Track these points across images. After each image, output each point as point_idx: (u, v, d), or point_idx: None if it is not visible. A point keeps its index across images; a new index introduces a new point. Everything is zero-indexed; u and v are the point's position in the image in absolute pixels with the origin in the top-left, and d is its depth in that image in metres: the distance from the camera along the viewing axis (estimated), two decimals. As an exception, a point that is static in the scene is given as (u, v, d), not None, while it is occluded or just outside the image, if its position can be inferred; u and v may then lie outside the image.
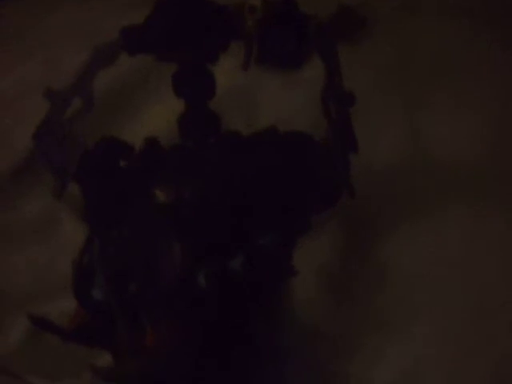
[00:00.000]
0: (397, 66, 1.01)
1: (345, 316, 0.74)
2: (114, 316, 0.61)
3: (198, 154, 0.69)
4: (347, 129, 0.70)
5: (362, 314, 0.74)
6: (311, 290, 0.75)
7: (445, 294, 0.74)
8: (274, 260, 0.65)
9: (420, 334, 0.72)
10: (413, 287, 0.75)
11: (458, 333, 0.72)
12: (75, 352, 0.67)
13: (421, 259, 0.78)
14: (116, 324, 0.61)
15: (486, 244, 0.79)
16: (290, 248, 0.66)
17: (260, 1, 0.65)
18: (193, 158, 0.68)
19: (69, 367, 0.70)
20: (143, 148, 0.68)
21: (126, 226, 0.64)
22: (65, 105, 0.68)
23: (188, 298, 0.61)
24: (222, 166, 0.66)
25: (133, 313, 0.61)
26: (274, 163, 0.67)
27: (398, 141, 0.91)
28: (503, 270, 0.77)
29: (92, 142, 0.67)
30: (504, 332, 0.72)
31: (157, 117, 0.91)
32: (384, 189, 0.84)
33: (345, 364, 0.71)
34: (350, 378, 0.70)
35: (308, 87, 0.90)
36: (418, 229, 0.81)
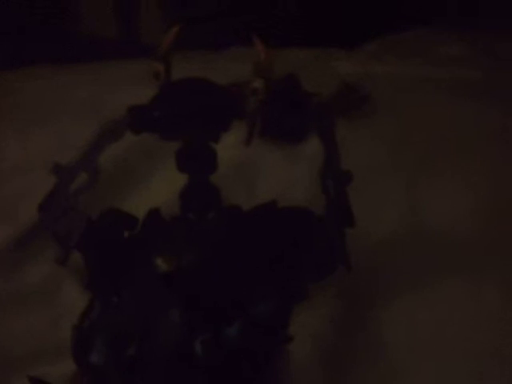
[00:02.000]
0: (396, 143, 1.04)
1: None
2: (111, 380, 0.62)
3: (198, 225, 0.70)
4: (344, 206, 0.72)
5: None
6: (305, 359, 0.74)
7: (440, 370, 0.73)
8: (270, 328, 0.65)
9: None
10: (408, 361, 0.75)
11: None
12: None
13: (416, 333, 0.78)
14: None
15: (482, 321, 0.78)
16: (286, 316, 0.66)
17: (263, 83, 0.66)
18: (193, 230, 0.69)
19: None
20: (145, 219, 0.69)
21: (126, 293, 0.65)
22: (70, 179, 0.69)
23: (185, 365, 0.62)
24: (221, 238, 0.68)
25: (129, 377, 0.61)
26: (272, 236, 0.68)
27: (396, 213, 0.92)
28: (498, 347, 0.76)
29: (95, 212, 0.68)
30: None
31: (159, 189, 0.92)
32: (381, 260, 0.84)
33: None
34: None
35: (308, 162, 0.93)
36: (414, 303, 0.80)
